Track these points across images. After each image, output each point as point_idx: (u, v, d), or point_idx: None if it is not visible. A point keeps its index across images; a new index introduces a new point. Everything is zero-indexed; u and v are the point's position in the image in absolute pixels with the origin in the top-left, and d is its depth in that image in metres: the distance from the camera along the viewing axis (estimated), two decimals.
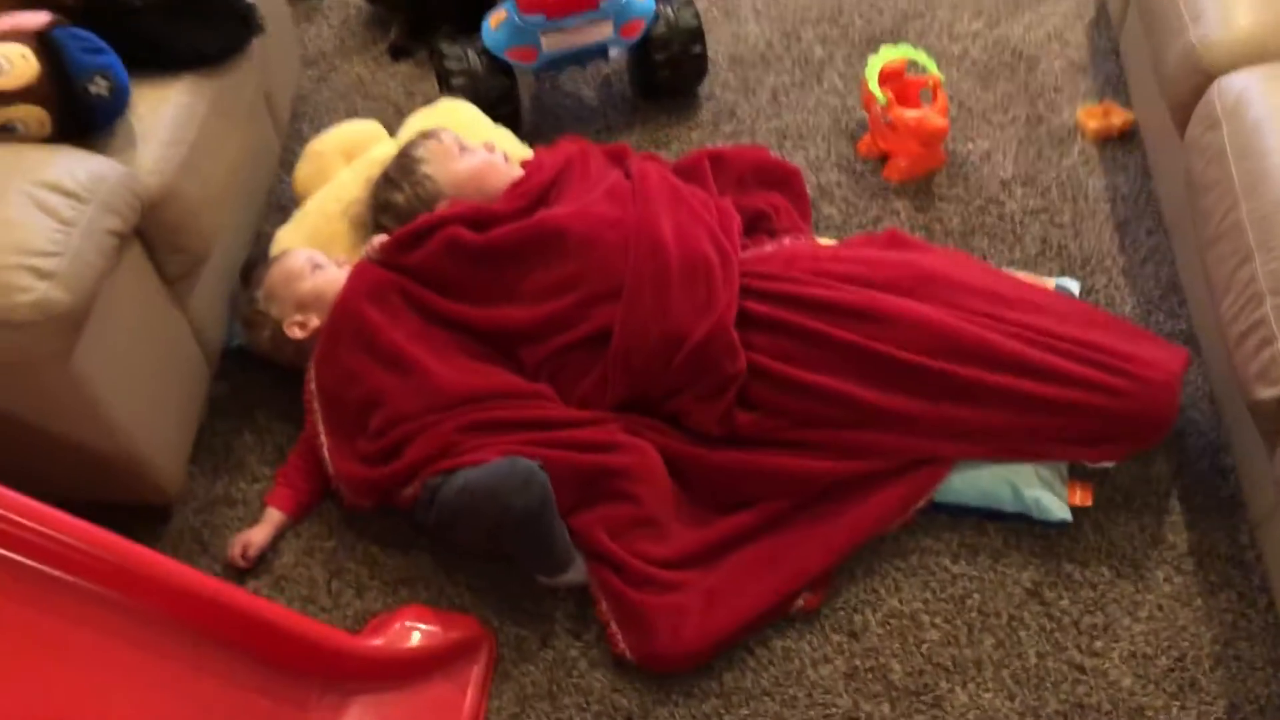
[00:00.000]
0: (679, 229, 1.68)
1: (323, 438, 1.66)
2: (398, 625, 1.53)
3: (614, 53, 2.14)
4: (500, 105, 2.12)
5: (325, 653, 1.45)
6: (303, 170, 1.95)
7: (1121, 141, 2.13)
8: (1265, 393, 1.39)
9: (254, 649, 1.41)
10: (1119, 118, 2.13)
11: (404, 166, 1.81)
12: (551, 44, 2.08)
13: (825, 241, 1.88)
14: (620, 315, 1.63)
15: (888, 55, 2.10)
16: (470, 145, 1.84)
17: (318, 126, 2.12)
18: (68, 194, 1.39)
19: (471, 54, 2.11)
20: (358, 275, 1.71)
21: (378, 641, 1.51)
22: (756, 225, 1.90)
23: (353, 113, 2.27)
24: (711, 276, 1.64)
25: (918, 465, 1.60)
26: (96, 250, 1.39)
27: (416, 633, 1.53)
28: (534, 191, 1.77)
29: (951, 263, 1.74)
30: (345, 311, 1.68)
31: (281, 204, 2.04)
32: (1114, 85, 2.23)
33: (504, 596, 1.60)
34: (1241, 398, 1.46)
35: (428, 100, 2.10)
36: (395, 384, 1.63)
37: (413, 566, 1.64)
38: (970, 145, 2.15)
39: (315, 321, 1.71)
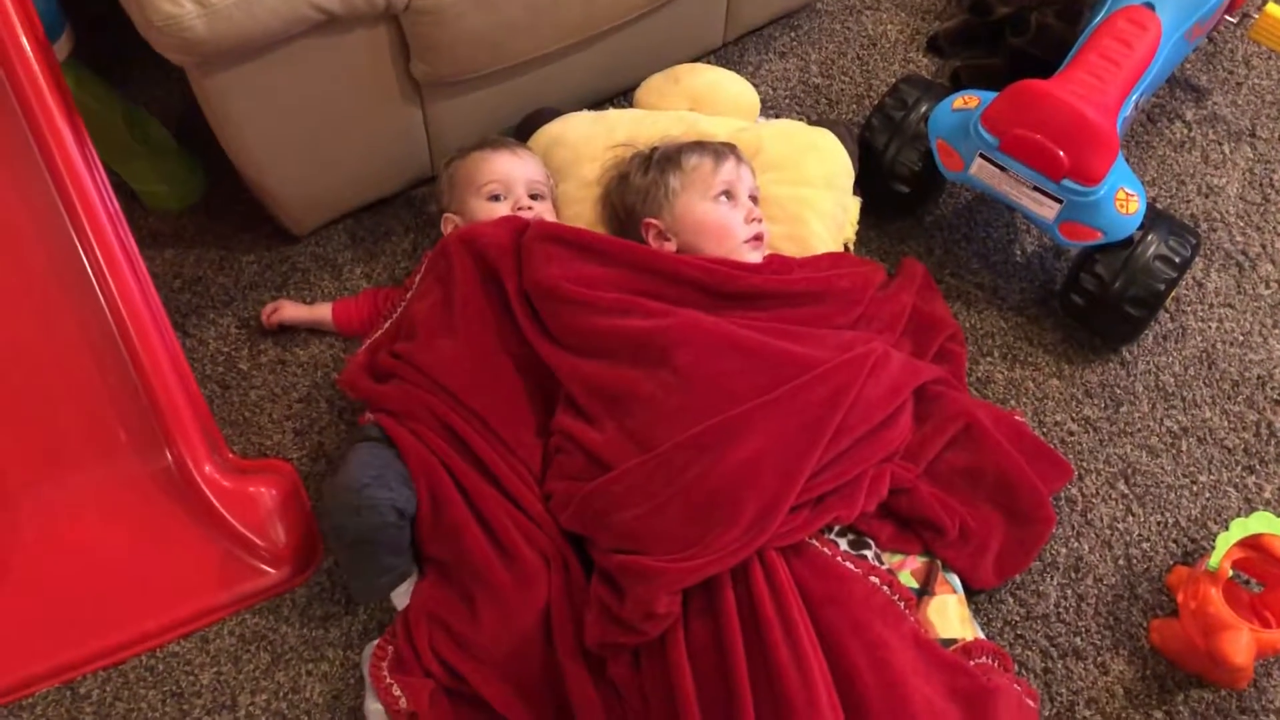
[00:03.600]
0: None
1: (396, 311, 1.59)
2: (255, 490, 1.53)
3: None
4: (894, 179, 1.73)
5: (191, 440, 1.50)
6: (650, 83, 1.75)
7: None
8: None
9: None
10: None
11: (667, 159, 1.55)
12: (982, 172, 1.62)
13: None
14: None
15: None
16: (745, 201, 1.54)
17: (771, 51, 1.85)
18: None
19: (924, 107, 1.71)
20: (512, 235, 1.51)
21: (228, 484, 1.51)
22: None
23: (831, 55, 1.99)
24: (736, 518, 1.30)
25: None
26: (279, 14, 1.36)
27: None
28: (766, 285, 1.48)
29: None
30: (476, 262, 1.50)
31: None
32: None
33: None
34: None
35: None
36: (437, 333, 1.49)
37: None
38: None
39: None
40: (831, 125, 1.70)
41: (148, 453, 1.51)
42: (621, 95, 1.90)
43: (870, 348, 1.44)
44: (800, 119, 1.89)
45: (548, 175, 1.64)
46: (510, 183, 1.59)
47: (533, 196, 1.60)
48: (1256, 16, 1.84)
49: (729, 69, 1.89)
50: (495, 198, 1.58)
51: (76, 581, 1.47)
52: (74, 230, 1.50)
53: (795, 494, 1.31)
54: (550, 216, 1.61)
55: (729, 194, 1.53)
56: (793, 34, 2.02)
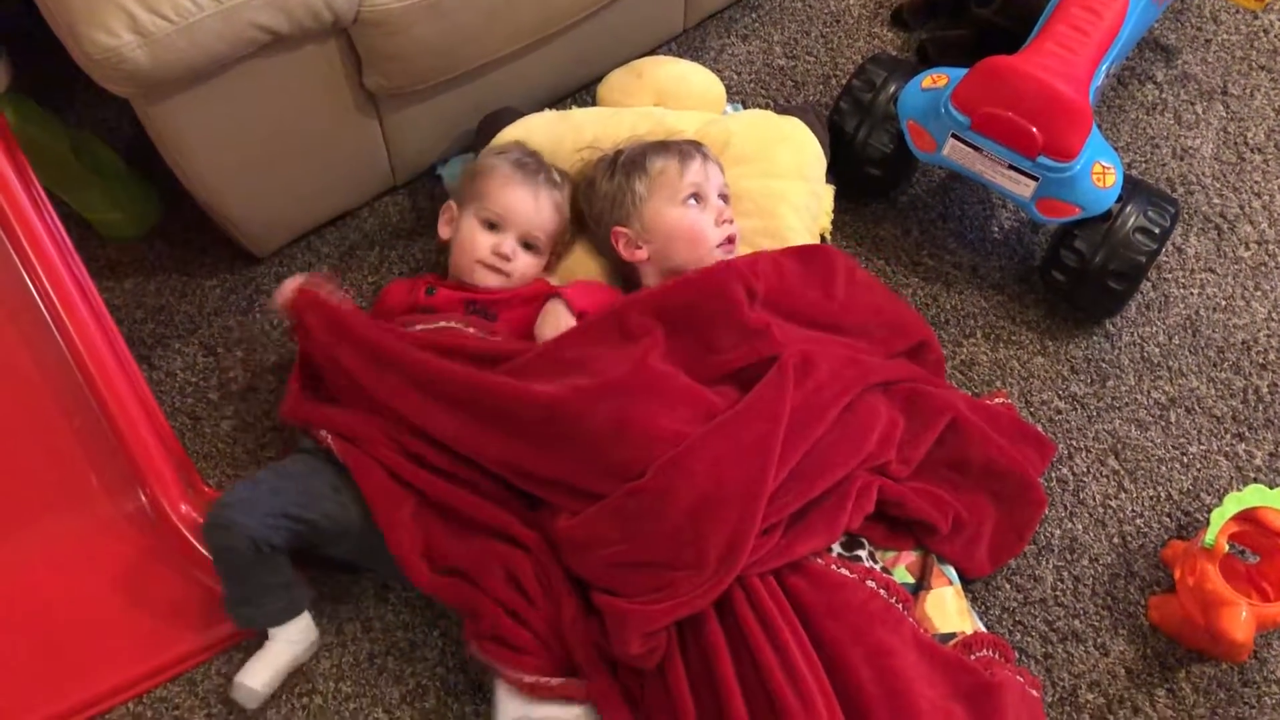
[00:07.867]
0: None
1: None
2: None
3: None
4: (866, 162, 1.69)
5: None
6: (612, 79, 1.70)
7: None
8: None
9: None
10: None
11: (632, 163, 1.51)
12: (955, 153, 1.59)
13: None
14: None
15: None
16: (715, 202, 1.49)
17: (733, 34, 1.79)
18: None
19: (892, 87, 1.67)
20: None
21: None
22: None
23: (794, 35, 1.94)
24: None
25: None
26: (223, 38, 1.30)
27: None
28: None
29: None
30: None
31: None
32: None
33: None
34: None
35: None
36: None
37: None
38: None
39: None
40: (800, 111, 1.66)
41: (120, 494, 1.47)
42: (583, 90, 1.85)
43: (786, 354, 1.37)
44: (767, 103, 1.86)
45: (561, 227, 1.55)
46: (513, 220, 1.51)
47: (526, 246, 1.52)
48: None
49: (691, 56, 1.85)
50: (490, 226, 1.52)
51: (55, 631, 1.43)
52: (23, 268, 1.46)
53: (759, 519, 1.28)
54: (535, 272, 1.54)
55: (698, 196, 1.49)
56: (754, 15, 1.97)
